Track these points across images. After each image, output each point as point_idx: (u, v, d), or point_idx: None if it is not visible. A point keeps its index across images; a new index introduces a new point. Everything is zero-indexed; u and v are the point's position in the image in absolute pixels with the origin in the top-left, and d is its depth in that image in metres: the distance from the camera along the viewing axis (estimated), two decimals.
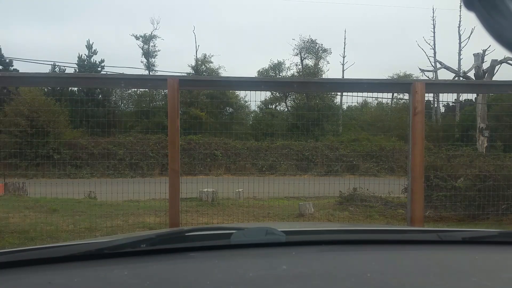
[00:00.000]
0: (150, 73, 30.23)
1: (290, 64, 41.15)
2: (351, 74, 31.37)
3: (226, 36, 47.33)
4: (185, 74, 27.59)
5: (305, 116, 14.88)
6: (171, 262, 0.96)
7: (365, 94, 5.19)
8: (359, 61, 50.21)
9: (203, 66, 30.87)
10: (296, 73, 31.80)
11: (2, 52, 26.74)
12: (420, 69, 20.91)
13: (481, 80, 13.44)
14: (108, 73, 27.82)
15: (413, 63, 46.33)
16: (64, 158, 10.30)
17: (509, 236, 1.20)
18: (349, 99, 25.88)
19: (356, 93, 5.15)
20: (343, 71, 31.33)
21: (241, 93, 21.75)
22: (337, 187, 7.55)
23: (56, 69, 26.58)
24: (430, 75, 23.60)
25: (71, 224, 5.20)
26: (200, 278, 0.85)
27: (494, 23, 0.52)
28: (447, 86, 3.63)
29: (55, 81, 3.97)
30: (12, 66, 27.25)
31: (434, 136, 11.61)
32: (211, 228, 1.25)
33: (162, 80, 3.38)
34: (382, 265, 0.96)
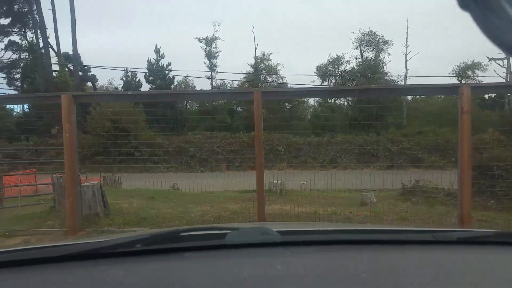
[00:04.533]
0: (213, 73, 31.65)
1: (350, 57, 40.48)
2: (415, 64, 30.09)
3: (283, 31, 47.69)
4: (248, 75, 28.21)
5: (365, 110, 14.75)
6: (166, 262, 0.96)
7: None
8: (424, 50, 47.83)
9: (262, 64, 31.54)
10: (355, 67, 31.29)
11: (82, 59, 29.58)
12: (487, 57, 19.75)
13: None
14: (175, 76, 29.66)
15: (482, 50, 43.05)
16: (144, 155, 11.59)
17: (504, 236, 1.21)
18: None
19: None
20: (406, 61, 30.12)
21: None
22: (399, 180, 7.70)
23: (128, 74, 28.99)
24: (501, 62, 22.06)
25: (169, 208, 6.10)
26: (195, 278, 0.85)
27: (489, 24, 0.51)
28: (491, 89, 3.93)
29: (171, 97, 4.77)
30: (90, 72, 30.19)
31: (508, 128, 11.07)
32: (206, 228, 1.31)
33: (249, 93, 4.25)
34: (378, 266, 0.97)
